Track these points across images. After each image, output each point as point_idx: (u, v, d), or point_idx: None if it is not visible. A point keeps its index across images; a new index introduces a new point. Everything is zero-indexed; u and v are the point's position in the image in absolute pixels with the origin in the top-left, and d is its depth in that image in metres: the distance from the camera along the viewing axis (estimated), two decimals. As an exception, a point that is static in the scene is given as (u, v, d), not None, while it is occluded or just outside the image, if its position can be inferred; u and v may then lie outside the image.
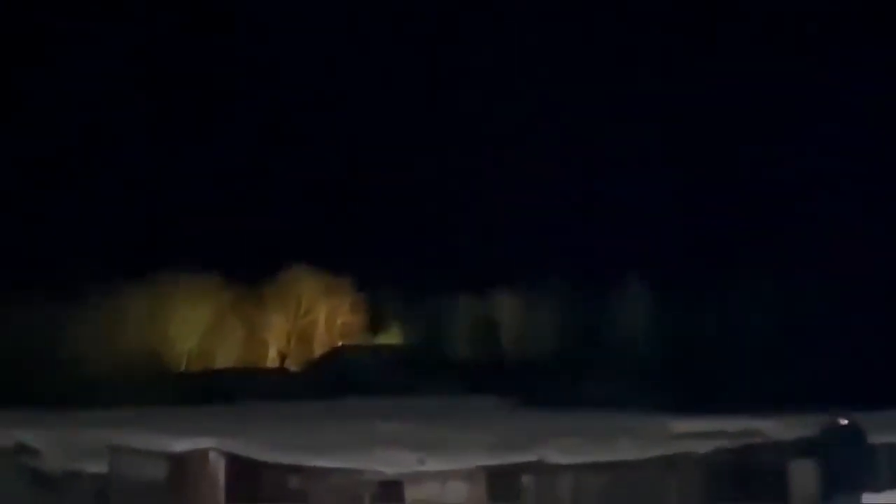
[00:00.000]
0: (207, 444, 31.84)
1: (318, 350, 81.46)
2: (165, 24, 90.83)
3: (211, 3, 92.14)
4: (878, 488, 23.12)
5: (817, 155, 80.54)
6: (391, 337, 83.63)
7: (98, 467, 33.22)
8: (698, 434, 36.07)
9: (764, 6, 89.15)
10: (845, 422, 22.77)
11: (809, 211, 77.89)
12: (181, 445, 31.70)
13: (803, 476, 32.11)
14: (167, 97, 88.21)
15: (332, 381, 64.80)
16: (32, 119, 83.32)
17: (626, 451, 34.04)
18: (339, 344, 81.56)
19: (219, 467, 31.69)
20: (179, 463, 31.58)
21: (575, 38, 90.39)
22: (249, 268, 78.44)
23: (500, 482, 32.40)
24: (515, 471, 32.75)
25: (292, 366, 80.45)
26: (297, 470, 30.89)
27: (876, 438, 26.34)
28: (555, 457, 33.03)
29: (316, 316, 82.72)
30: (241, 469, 31.48)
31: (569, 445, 33.63)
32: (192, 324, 78.80)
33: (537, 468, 32.88)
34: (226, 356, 79.65)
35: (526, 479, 32.85)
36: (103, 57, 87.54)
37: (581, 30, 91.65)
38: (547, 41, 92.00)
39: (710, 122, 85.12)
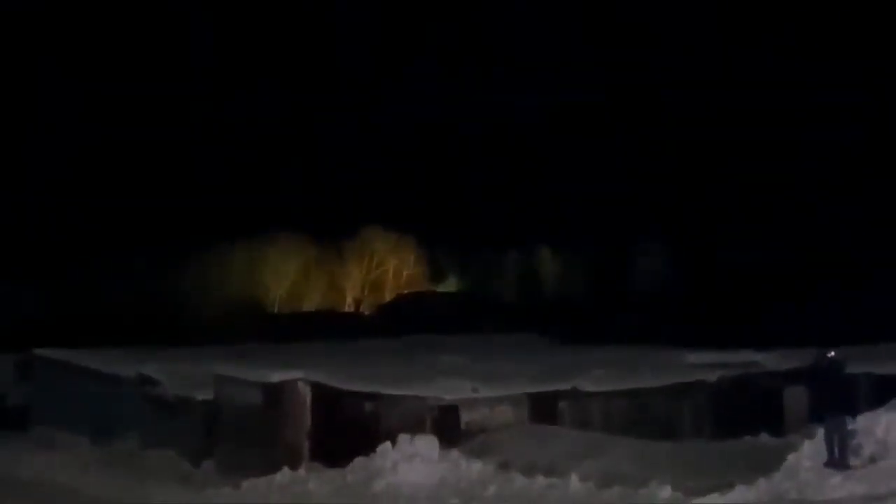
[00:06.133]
0: (296, 375, 32.13)
1: (388, 297, 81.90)
2: None
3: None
4: (858, 411, 23.07)
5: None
6: (449, 286, 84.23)
7: (206, 394, 33.63)
8: (708, 365, 35.99)
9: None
10: (832, 353, 22.64)
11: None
12: (275, 376, 32.01)
13: (795, 400, 32.04)
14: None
15: (399, 322, 65.00)
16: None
17: (647, 379, 34.01)
18: (405, 292, 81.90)
19: (306, 394, 31.99)
20: (273, 390, 31.90)
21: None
22: (331, 228, 79.15)
23: (541, 406, 32.48)
24: (553, 397, 32.80)
25: (366, 310, 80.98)
26: (370, 396, 31.11)
27: (856, 369, 26.25)
28: (586, 385, 33.03)
29: (386, 268, 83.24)
30: (324, 396, 31.76)
31: (598, 375, 33.62)
32: (284, 274, 79.89)
33: (572, 394, 32.92)
34: (311, 301, 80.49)
35: (562, 404, 32.89)
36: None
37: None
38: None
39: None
